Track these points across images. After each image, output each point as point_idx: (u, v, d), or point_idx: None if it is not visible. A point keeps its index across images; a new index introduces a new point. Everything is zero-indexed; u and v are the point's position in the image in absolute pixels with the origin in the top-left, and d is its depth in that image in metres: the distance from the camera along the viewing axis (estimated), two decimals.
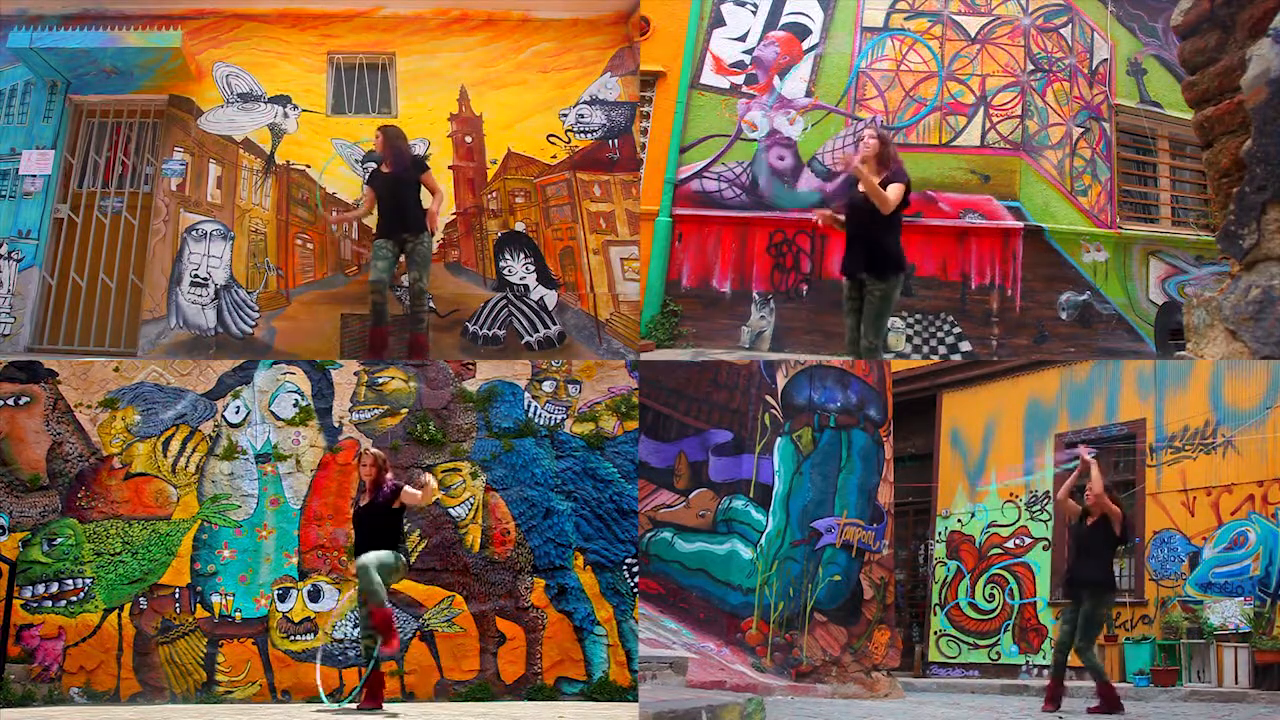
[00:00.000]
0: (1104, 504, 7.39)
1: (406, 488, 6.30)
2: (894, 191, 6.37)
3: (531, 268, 8.70)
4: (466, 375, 8.04)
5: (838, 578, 8.53)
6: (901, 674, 9.84)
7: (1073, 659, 7.54)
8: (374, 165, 8.27)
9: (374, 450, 6.54)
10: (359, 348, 8.38)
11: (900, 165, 6.60)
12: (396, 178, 7.91)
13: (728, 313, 10.30)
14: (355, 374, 8.01)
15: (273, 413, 7.94)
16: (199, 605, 7.59)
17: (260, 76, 8.97)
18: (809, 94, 10.48)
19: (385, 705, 6.41)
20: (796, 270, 10.24)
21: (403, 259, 7.95)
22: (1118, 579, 10.62)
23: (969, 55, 10.47)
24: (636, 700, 6.61)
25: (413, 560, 7.58)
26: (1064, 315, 10.16)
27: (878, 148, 6.51)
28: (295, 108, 8.93)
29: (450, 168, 8.86)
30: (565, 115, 8.92)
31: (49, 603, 7.58)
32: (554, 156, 8.87)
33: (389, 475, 6.46)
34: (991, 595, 11.74)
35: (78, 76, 8.89)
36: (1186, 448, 10.37)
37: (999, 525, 11.86)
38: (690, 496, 8.84)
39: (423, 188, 8.00)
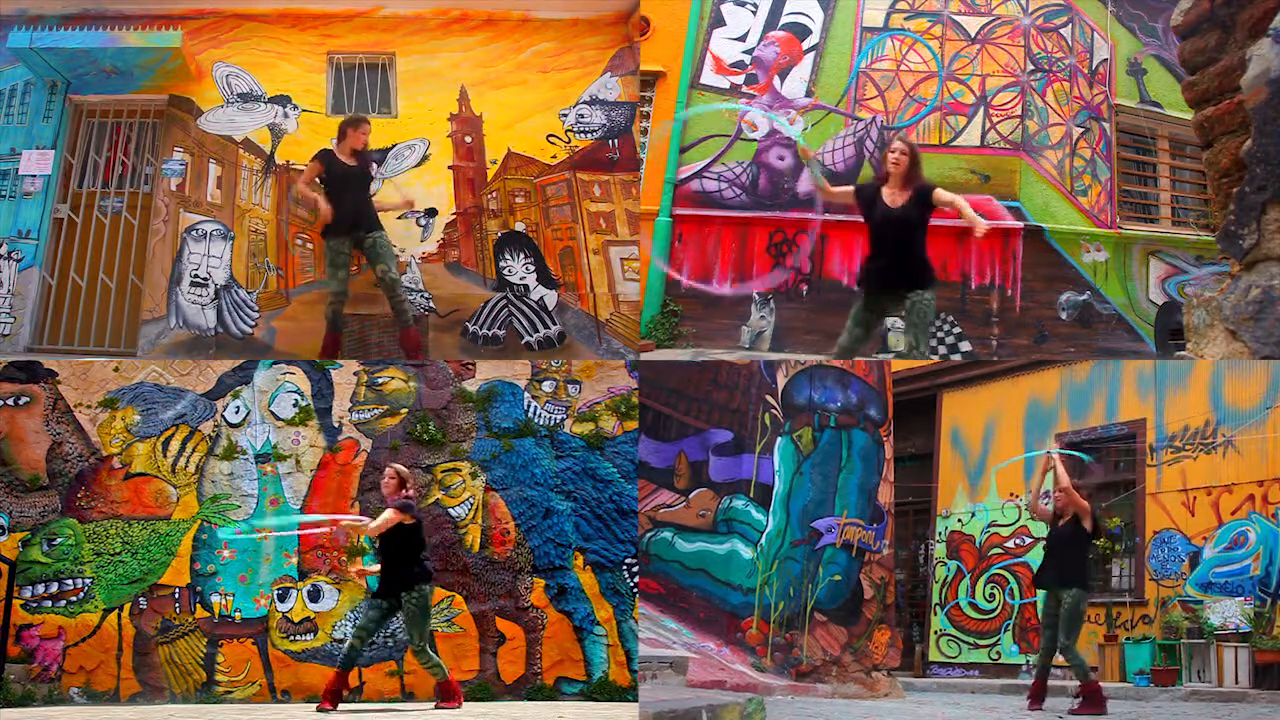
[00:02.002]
0: (1073, 500, 7.45)
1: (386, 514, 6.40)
2: (963, 199, 6.39)
3: (531, 268, 8.70)
4: (466, 375, 8.04)
5: (838, 578, 8.52)
6: (901, 674, 9.84)
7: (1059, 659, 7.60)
8: (330, 152, 8.03)
9: (397, 466, 6.66)
10: (359, 348, 8.38)
11: (922, 177, 6.58)
12: (363, 170, 7.86)
13: (728, 313, 10.30)
14: (355, 374, 8.01)
15: (272, 413, 7.94)
16: (199, 605, 7.59)
17: (260, 76, 8.97)
18: (809, 94, 10.48)
19: (365, 706, 6.45)
20: (796, 270, 10.24)
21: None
22: (1114, 578, 10.67)
23: (969, 55, 10.47)
24: (636, 700, 6.61)
25: None
26: (1064, 315, 10.15)
27: (905, 163, 6.46)
28: (295, 108, 8.93)
29: (450, 168, 8.86)
30: (565, 115, 8.92)
31: (49, 603, 7.59)
32: (554, 156, 8.86)
33: (408, 491, 6.54)
34: (992, 595, 11.73)
35: (78, 76, 8.89)
36: (1187, 448, 10.37)
37: (999, 525, 11.86)
38: (690, 496, 8.83)
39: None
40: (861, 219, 6.64)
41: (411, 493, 6.58)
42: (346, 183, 7.73)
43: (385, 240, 7.82)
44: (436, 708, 6.41)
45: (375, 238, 7.74)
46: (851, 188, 6.87)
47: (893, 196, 6.44)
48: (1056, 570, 7.46)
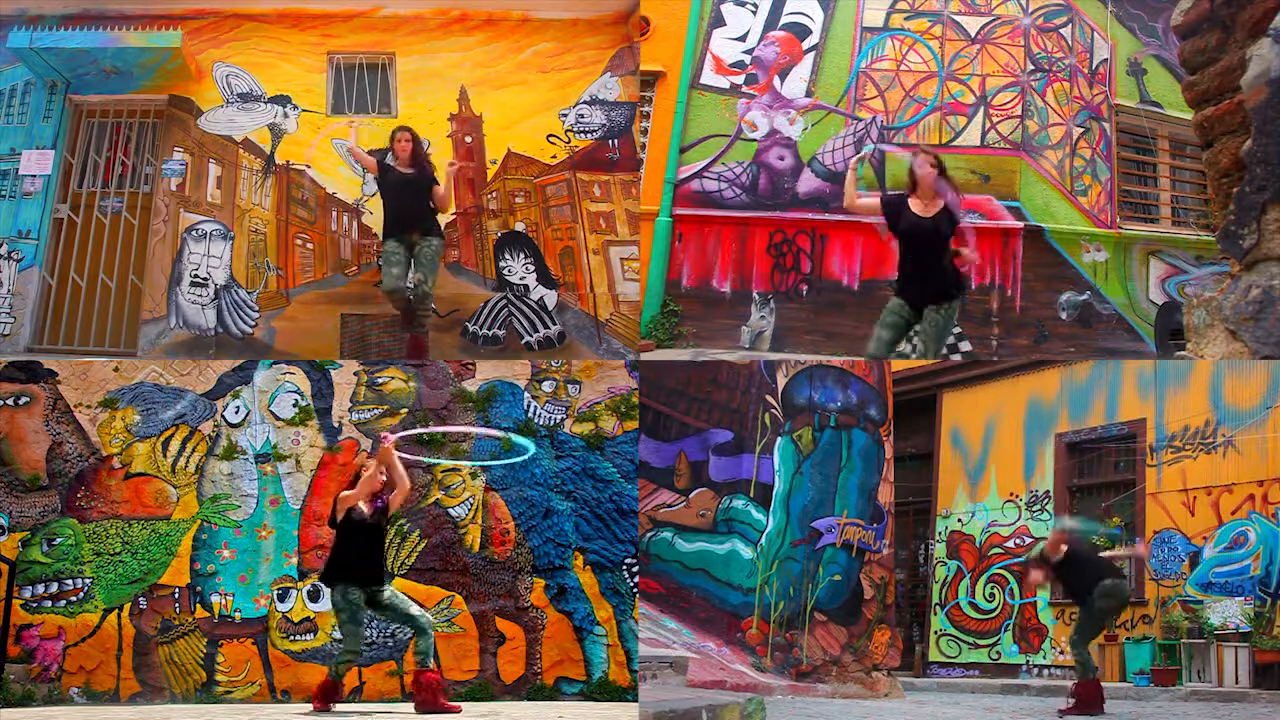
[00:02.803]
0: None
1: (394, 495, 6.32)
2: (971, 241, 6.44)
3: (531, 268, 8.70)
4: (466, 375, 8.04)
5: (838, 577, 8.52)
6: (901, 674, 9.84)
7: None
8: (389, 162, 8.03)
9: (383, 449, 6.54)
10: (359, 348, 8.38)
11: (956, 195, 6.54)
12: (418, 177, 7.77)
13: (728, 313, 10.30)
14: (355, 374, 8.01)
15: (272, 413, 7.94)
16: (199, 605, 7.59)
17: (260, 76, 8.97)
18: (809, 94, 10.48)
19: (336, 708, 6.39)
20: (796, 270, 10.24)
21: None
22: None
23: (969, 55, 10.47)
24: (636, 700, 6.61)
25: (412, 560, 7.60)
26: (1064, 315, 10.15)
27: (935, 173, 6.44)
28: (295, 108, 8.93)
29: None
30: (565, 115, 8.92)
31: (49, 603, 7.58)
32: (554, 156, 8.86)
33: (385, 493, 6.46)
34: (992, 595, 11.73)
35: (78, 76, 8.89)
36: (1187, 447, 10.37)
37: (999, 525, 11.86)
38: (690, 496, 8.83)
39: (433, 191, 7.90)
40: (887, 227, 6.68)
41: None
42: (402, 189, 7.71)
43: (434, 251, 7.74)
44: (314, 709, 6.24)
45: (427, 244, 7.69)
46: (877, 199, 6.88)
47: (923, 207, 6.41)
48: (1074, 589, 7.50)
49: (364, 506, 6.20)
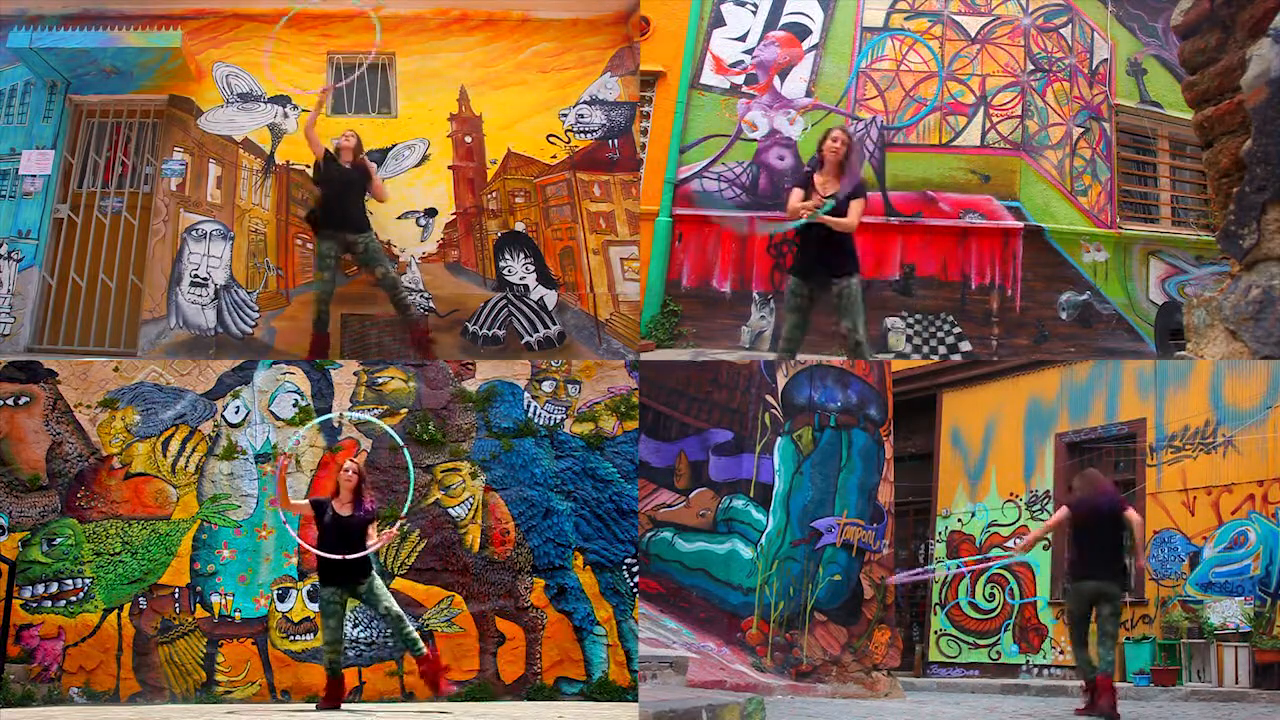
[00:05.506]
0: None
1: (371, 531, 6.41)
2: (856, 212, 6.41)
3: (531, 268, 8.69)
4: (466, 375, 8.04)
5: (838, 577, 8.52)
6: (902, 673, 9.83)
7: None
8: (331, 154, 8.07)
9: (355, 462, 6.63)
10: (359, 348, 8.38)
11: (858, 174, 6.59)
12: (356, 175, 7.96)
13: (728, 313, 10.30)
14: (355, 374, 8.01)
15: (272, 413, 7.94)
16: (198, 605, 7.59)
17: (260, 76, 8.96)
18: (809, 94, 10.48)
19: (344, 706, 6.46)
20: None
21: (349, 260, 8.09)
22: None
23: (969, 55, 10.47)
24: (636, 700, 6.61)
25: (412, 560, 7.60)
26: (1064, 315, 10.15)
27: (842, 151, 6.47)
28: (295, 108, 8.92)
29: (450, 168, 8.85)
30: (565, 115, 8.92)
31: (48, 603, 7.59)
32: (554, 156, 8.86)
33: (367, 495, 6.52)
34: (992, 595, 11.73)
35: (78, 76, 8.89)
36: (1187, 447, 10.37)
37: (999, 525, 11.86)
38: (690, 496, 8.83)
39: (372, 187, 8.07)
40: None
41: (369, 495, 6.57)
42: (337, 185, 7.92)
43: (376, 244, 8.02)
44: (318, 708, 6.42)
45: (365, 242, 7.92)
46: (799, 188, 6.73)
47: (823, 184, 6.51)
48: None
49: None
